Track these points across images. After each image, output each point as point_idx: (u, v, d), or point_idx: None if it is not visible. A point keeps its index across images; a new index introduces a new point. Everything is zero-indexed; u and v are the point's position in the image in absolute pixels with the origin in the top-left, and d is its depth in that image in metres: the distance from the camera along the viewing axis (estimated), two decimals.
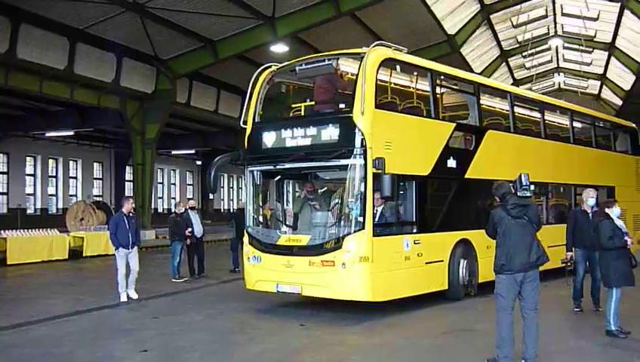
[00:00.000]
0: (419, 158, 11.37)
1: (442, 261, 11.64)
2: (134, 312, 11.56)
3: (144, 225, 27.17)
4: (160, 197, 48.28)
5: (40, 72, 23.15)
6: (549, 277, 11.10)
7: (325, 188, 11.91)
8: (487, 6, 31.17)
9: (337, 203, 10.82)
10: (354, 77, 10.55)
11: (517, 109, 14.49)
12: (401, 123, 11.13)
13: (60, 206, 39.17)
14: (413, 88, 12.53)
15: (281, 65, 12.10)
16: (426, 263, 11.22)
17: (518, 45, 38.37)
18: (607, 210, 9.19)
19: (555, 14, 34.81)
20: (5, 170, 36.76)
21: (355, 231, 10.03)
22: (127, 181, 42.72)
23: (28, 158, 37.72)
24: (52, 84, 24.37)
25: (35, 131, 35.13)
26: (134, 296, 12.50)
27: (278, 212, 12.03)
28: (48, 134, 35.94)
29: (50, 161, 39.83)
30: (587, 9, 31.29)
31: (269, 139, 11.33)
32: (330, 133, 10.44)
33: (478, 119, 12.91)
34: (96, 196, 40.05)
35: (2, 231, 20.01)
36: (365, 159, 10.02)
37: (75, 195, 39.76)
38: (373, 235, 10.09)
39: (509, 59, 40.68)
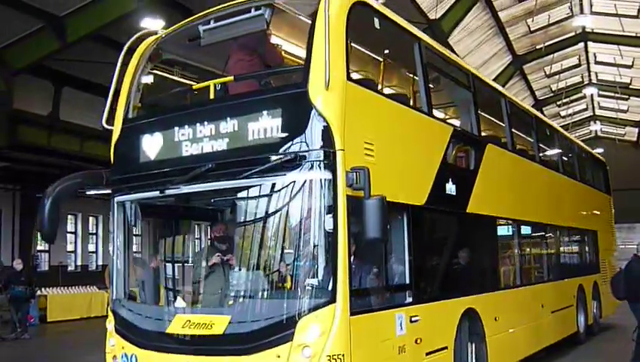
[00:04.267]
0: (411, 176, 6.84)
1: (447, 348, 7.03)
2: None
3: None
4: None
5: None
6: None
7: (257, 229, 6.74)
8: (519, 57, 31.08)
9: (282, 254, 5.95)
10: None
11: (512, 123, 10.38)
12: (388, 114, 6.58)
13: (100, 262, 36.65)
14: (393, 64, 8.03)
15: (171, 29, 7.34)
16: (427, 354, 6.58)
17: (552, 94, 38.27)
18: None
19: (588, 63, 34.78)
20: None
21: (316, 306, 5.29)
22: None
23: (69, 216, 34.90)
24: None
25: None
26: None
27: (166, 273, 6.99)
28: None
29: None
30: (621, 57, 31.52)
31: (151, 145, 6.45)
32: (266, 125, 5.71)
33: (476, 125, 8.61)
34: None
35: (43, 289, 20.01)
36: (333, 170, 5.41)
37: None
38: (351, 312, 5.38)
39: (543, 108, 39.34)
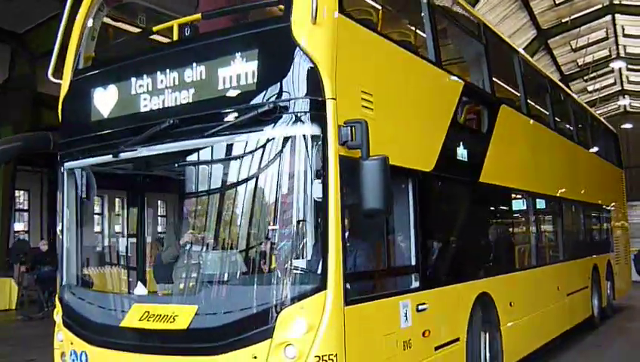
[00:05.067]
0: (417, 137, 5.72)
1: (458, 340, 5.98)
2: None
3: None
4: None
5: None
6: None
7: (228, 199, 5.49)
8: (544, 31, 29.96)
9: (260, 230, 4.82)
10: None
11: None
12: (390, 60, 5.43)
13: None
14: (393, 11, 6.86)
15: None
16: (437, 349, 5.53)
17: (579, 69, 36.68)
18: None
19: (616, 35, 33.25)
20: None
21: (303, 295, 4.22)
22: None
23: None
24: None
25: None
26: None
27: (123, 255, 5.87)
28: None
29: None
30: None
31: (104, 100, 5.31)
32: (239, 70, 4.57)
33: (489, 82, 7.48)
34: None
35: None
36: (322, 124, 4.32)
37: None
38: (346, 301, 4.31)
39: (570, 84, 37.91)
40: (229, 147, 4.66)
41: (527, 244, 8.71)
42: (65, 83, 5.69)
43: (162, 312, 4.70)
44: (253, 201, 4.68)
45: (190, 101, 4.81)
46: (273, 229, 4.52)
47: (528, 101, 8.90)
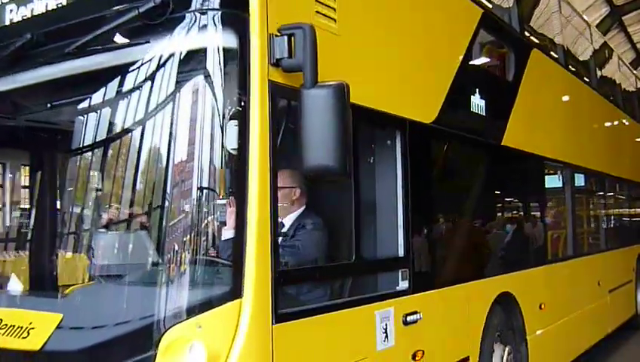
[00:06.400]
0: (411, 72, 3.99)
1: (468, 360, 4.32)
2: None
3: None
4: None
5: None
6: None
7: (98, 156, 3.52)
8: (617, 7, 28.03)
9: (142, 203, 3.11)
10: None
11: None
12: None
13: None
14: None
15: None
16: None
17: None
18: None
19: None
20: None
21: (202, 305, 2.58)
22: None
23: None
24: None
25: None
26: None
27: None
28: None
29: None
30: None
31: None
32: None
33: (518, 19, 5.72)
34: None
35: None
36: (240, 32, 2.66)
37: None
38: (276, 316, 2.67)
39: None
40: (102, 72, 2.99)
41: (562, 230, 6.96)
42: None
43: (17, 321, 3.12)
44: (137, 160, 3.00)
45: (62, 5, 3.19)
46: (162, 204, 2.86)
47: (568, 50, 7.10)
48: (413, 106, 3.86)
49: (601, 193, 8.51)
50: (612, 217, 9.14)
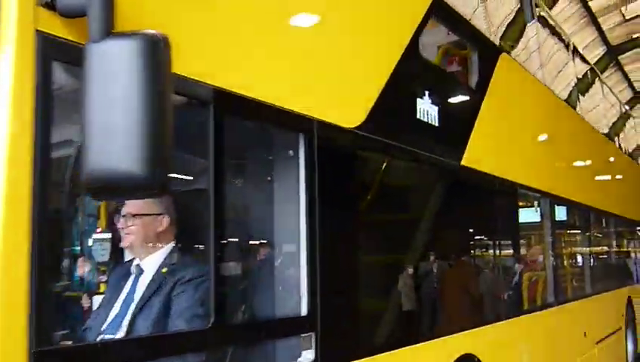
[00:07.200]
0: (323, 55, 2.91)
1: None
2: None
3: None
4: None
5: None
6: None
7: None
8: (613, 47, 27.76)
9: None
10: None
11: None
12: None
13: None
14: None
15: None
16: None
17: None
18: None
19: None
20: None
21: None
22: None
23: None
24: None
25: None
26: None
27: None
28: None
29: None
30: None
31: None
32: None
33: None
34: None
35: None
36: None
37: None
38: None
39: None
40: None
41: (542, 272, 5.85)
42: None
43: None
44: None
45: None
46: None
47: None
48: (326, 103, 2.77)
49: (586, 228, 7.47)
50: (598, 256, 8.10)
